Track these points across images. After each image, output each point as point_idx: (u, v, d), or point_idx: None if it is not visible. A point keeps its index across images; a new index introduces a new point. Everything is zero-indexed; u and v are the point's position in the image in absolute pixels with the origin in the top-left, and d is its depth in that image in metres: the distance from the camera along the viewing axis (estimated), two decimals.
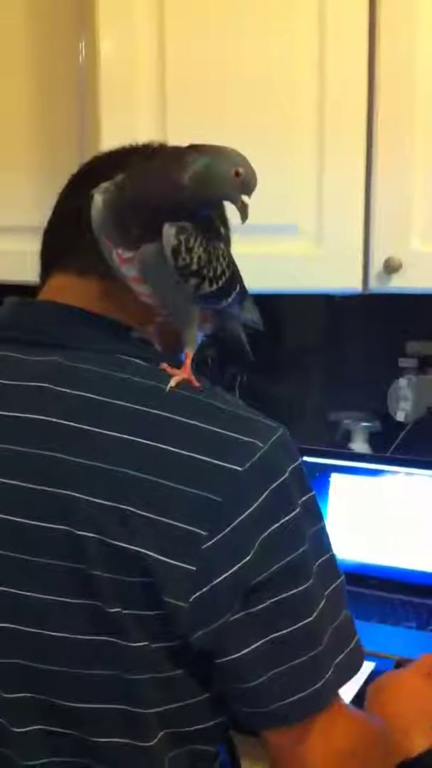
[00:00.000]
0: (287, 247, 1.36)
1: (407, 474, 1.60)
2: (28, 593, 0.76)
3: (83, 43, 1.51)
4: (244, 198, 0.80)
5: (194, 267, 0.79)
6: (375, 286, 1.35)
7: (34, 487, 0.76)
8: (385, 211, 1.34)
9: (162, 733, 0.79)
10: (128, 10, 1.39)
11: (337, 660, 0.82)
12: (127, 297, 0.86)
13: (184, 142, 0.93)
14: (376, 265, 1.34)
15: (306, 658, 0.79)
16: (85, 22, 1.46)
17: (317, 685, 0.80)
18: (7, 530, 0.77)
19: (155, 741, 0.79)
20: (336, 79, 1.33)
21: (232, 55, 1.36)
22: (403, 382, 1.74)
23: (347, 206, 1.35)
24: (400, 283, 1.34)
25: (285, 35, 1.34)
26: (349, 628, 0.84)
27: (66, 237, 0.90)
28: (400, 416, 1.75)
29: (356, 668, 0.84)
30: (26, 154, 1.56)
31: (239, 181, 0.80)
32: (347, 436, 1.80)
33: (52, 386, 0.79)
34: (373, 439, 1.79)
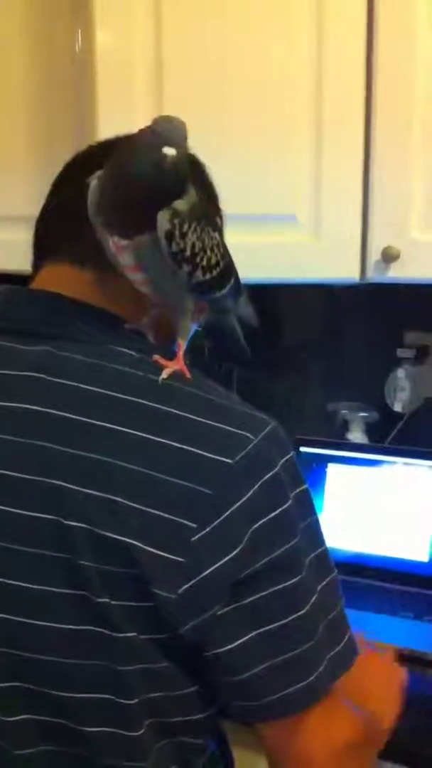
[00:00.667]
0: (285, 236, 1.36)
1: (405, 464, 1.60)
2: (16, 582, 0.76)
3: (80, 34, 1.50)
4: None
5: (187, 253, 0.79)
6: (373, 275, 1.35)
7: (24, 476, 0.76)
8: (382, 200, 1.34)
9: (148, 722, 0.79)
10: (125, 0, 1.38)
11: (330, 654, 0.82)
12: (121, 287, 0.85)
13: None
14: (374, 254, 1.34)
15: (298, 651, 0.79)
16: (82, 13, 1.45)
17: (310, 679, 0.80)
18: (13, 523, 0.76)
19: (142, 731, 0.79)
20: (334, 70, 1.33)
21: (230, 46, 1.36)
22: (400, 372, 1.74)
23: (345, 196, 1.35)
24: (397, 273, 1.34)
25: (283, 27, 1.34)
26: (342, 622, 0.84)
27: (59, 226, 0.90)
28: (397, 406, 1.75)
29: (349, 662, 0.84)
30: (22, 144, 1.56)
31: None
32: (345, 427, 1.80)
33: (43, 376, 0.79)
34: (370, 429, 1.79)
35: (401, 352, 1.74)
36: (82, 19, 1.46)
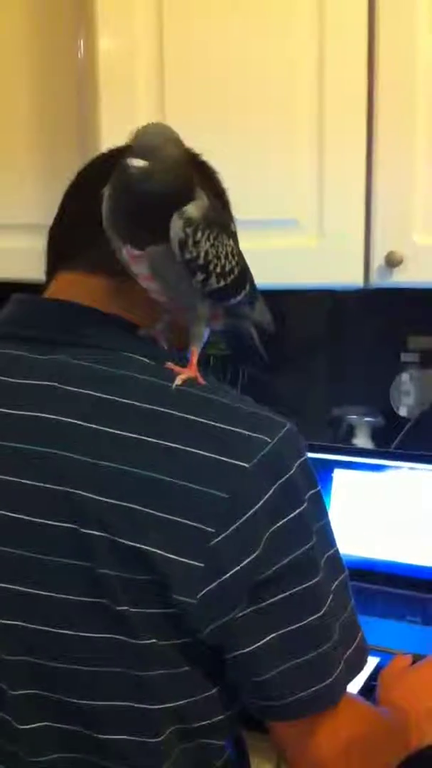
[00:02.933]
0: (288, 242, 1.36)
1: (410, 469, 1.60)
2: (35, 591, 0.77)
3: (82, 41, 1.51)
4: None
5: (201, 261, 0.79)
6: (376, 280, 1.35)
7: (43, 485, 0.76)
8: (385, 205, 1.34)
9: (171, 728, 0.80)
10: (127, 7, 1.39)
11: (346, 655, 0.82)
12: (135, 295, 0.86)
13: (184, 139, 0.93)
14: (378, 259, 1.34)
15: (317, 653, 0.79)
16: (84, 20, 1.46)
17: (329, 680, 0.81)
18: (16, 528, 0.77)
19: (163, 737, 0.79)
20: (336, 75, 1.33)
21: (232, 51, 1.36)
22: (405, 377, 1.74)
23: (348, 201, 1.35)
24: (401, 278, 1.34)
25: (284, 32, 1.35)
26: (354, 623, 0.85)
27: (73, 235, 0.91)
28: (402, 411, 1.75)
29: (363, 663, 0.85)
30: (26, 152, 1.56)
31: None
32: (350, 432, 1.80)
33: (59, 385, 0.79)
34: (376, 434, 1.79)
35: (406, 357, 1.74)
36: (85, 26, 1.47)
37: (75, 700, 0.78)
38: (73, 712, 0.79)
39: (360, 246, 1.35)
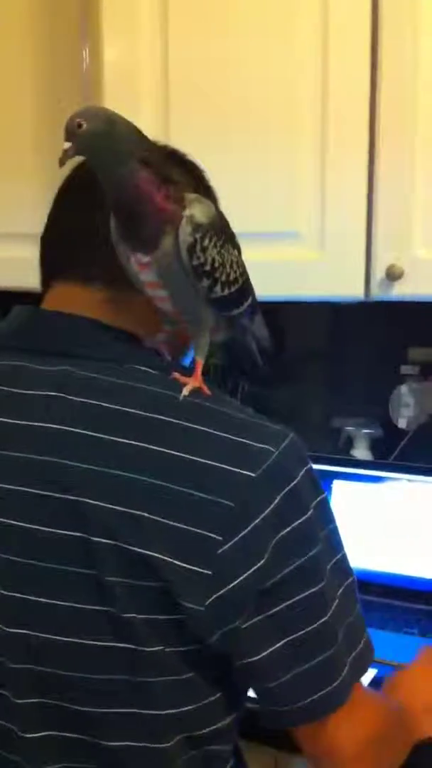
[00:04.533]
0: (289, 254, 1.37)
1: (409, 481, 1.60)
2: (41, 599, 0.77)
3: (87, 51, 1.51)
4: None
5: (207, 267, 0.80)
6: (377, 293, 1.36)
7: (49, 494, 0.77)
8: (387, 218, 1.34)
9: (178, 736, 0.80)
10: (132, 18, 1.40)
11: (352, 656, 0.84)
12: (133, 306, 0.87)
13: (187, 150, 0.94)
14: (378, 272, 1.34)
15: (323, 657, 0.81)
16: (89, 30, 1.46)
17: (336, 683, 0.82)
18: (22, 537, 0.78)
19: (170, 744, 0.80)
20: (338, 88, 1.34)
21: (235, 62, 1.37)
22: (404, 389, 1.74)
23: (349, 213, 1.35)
24: (402, 291, 1.34)
25: (287, 45, 1.35)
26: (360, 626, 0.86)
27: (66, 245, 0.91)
28: (402, 423, 1.75)
29: (369, 662, 0.87)
30: (31, 162, 1.57)
31: None
32: (349, 443, 1.80)
33: (65, 395, 0.80)
34: (375, 445, 1.79)
35: (405, 369, 1.74)
36: (90, 36, 1.47)
37: (81, 708, 0.78)
38: (78, 721, 0.79)
39: (361, 259, 1.35)
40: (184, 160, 0.93)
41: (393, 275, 1.32)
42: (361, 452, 1.79)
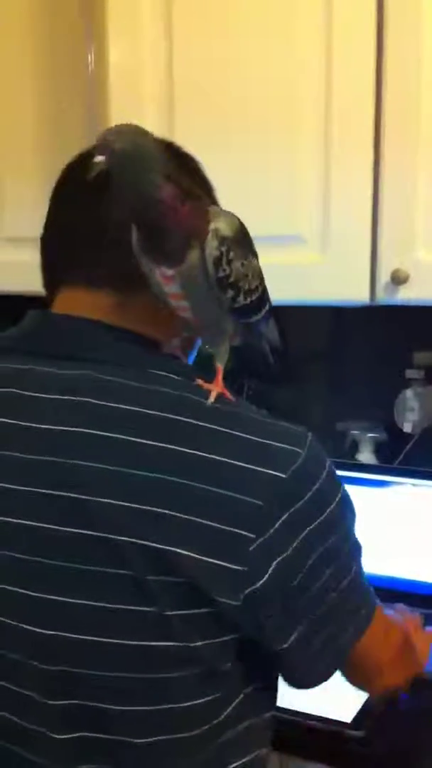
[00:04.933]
0: (294, 258, 1.37)
1: (414, 485, 1.60)
2: (73, 600, 0.78)
3: (92, 54, 1.52)
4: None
5: (232, 279, 0.82)
6: (382, 297, 1.36)
7: (76, 496, 0.78)
8: (392, 222, 1.34)
9: (209, 724, 0.83)
10: (137, 21, 1.40)
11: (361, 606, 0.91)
12: (142, 310, 0.88)
13: (191, 151, 0.94)
14: (384, 276, 1.34)
15: (344, 618, 0.88)
16: (94, 34, 1.47)
17: (354, 625, 0.90)
18: (52, 540, 0.79)
19: (201, 730, 0.82)
20: (342, 89, 1.34)
21: (239, 65, 1.37)
22: (409, 393, 1.74)
23: (354, 217, 1.35)
24: (407, 295, 1.34)
25: (291, 46, 1.35)
26: (362, 579, 0.92)
27: (70, 250, 0.91)
28: (407, 427, 1.75)
29: (374, 604, 0.94)
30: (36, 166, 1.58)
31: None
32: (354, 447, 1.80)
33: (88, 399, 0.81)
34: (379, 449, 1.79)
35: (410, 373, 1.74)
36: (95, 38, 1.48)
37: (112, 707, 0.79)
38: (109, 720, 0.80)
39: (366, 263, 1.35)
40: (179, 153, 0.93)
41: (398, 279, 1.32)
42: (365, 456, 1.79)
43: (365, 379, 1.83)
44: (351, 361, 1.85)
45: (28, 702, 0.81)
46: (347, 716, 1.22)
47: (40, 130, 1.59)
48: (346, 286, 1.37)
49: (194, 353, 0.98)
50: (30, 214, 1.56)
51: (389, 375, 1.76)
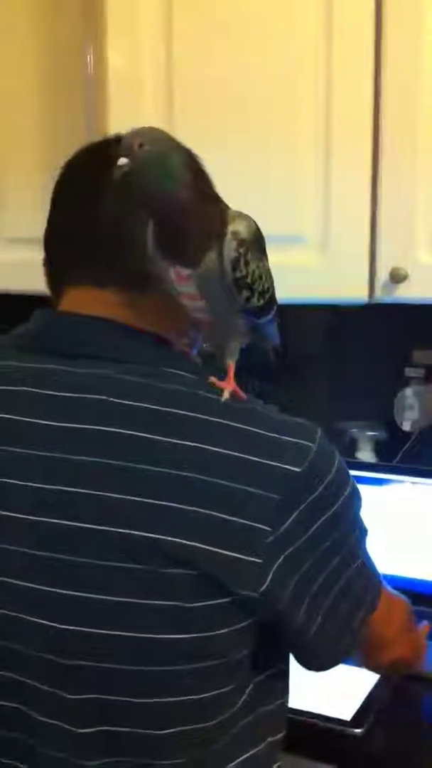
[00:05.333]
0: (293, 257, 1.37)
1: (413, 483, 1.60)
2: (92, 595, 0.79)
3: (91, 57, 1.52)
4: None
5: (249, 279, 0.84)
6: (381, 296, 1.36)
7: (93, 493, 0.79)
8: (390, 221, 1.34)
9: (227, 713, 0.84)
10: (136, 23, 1.40)
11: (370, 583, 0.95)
12: (150, 309, 0.89)
13: None
14: (382, 275, 1.35)
15: (354, 602, 0.91)
16: (93, 36, 1.47)
17: (366, 605, 0.93)
18: (72, 536, 0.79)
19: (218, 720, 0.83)
20: (342, 91, 1.34)
21: (239, 67, 1.38)
22: (409, 391, 1.74)
23: (353, 216, 1.36)
24: (406, 293, 1.34)
25: (291, 47, 1.36)
26: (369, 565, 0.96)
27: (73, 249, 0.92)
28: (406, 425, 1.75)
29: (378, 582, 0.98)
30: (34, 166, 1.58)
31: None
32: (353, 445, 1.81)
33: (110, 398, 0.82)
34: (379, 448, 1.80)
35: (409, 371, 1.75)
36: (94, 40, 1.48)
37: (136, 700, 0.80)
38: (133, 713, 0.81)
39: (365, 261, 1.36)
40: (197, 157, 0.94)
41: (397, 278, 1.33)
42: (365, 454, 1.79)
43: (364, 377, 1.83)
44: (350, 359, 1.85)
45: (47, 697, 0.82)
46: (347, 714, 1.23)
47: (40, 131, 1.59)
48: (345, 284, 1.37)
49: (194, 352, 0.98)
50: (30, 214, 1.57)
51: (388, 373, 1.77)
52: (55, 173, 0.95)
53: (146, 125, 0.82)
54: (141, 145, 0.80)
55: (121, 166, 0.80)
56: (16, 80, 1.61)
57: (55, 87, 1.58)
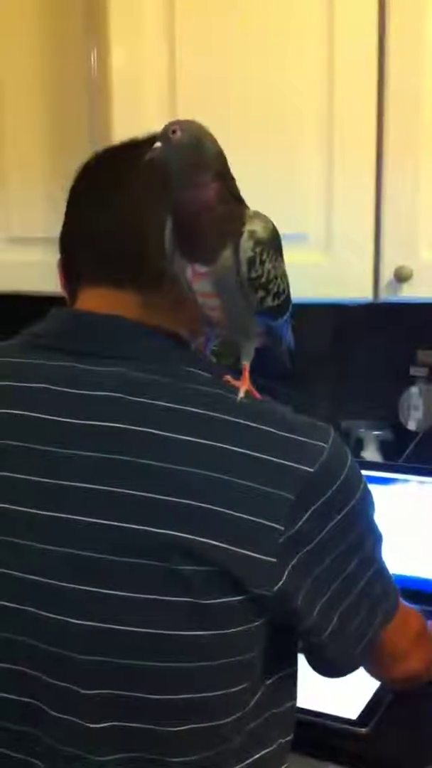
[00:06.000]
0: (297, 256, 1.35)
1: (419, 482, 1.60)
2: (108, 591, 0.79)
3: (95, 56, 1.52)
4: None
5: (263, 279, 0.85)
6: (385, 295, 1.36)
7: (115, 490, 0.80)
8: (395, 220, 1.34)
9: (239, 712, 0.84)
10: (139, 22, 1.40)
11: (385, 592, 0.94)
12: (167, 309, 0.90)
13: None
14: (387, 274, 1.35)
15: (367, 610, 0.91)
16: (96, 35, 1.47)
17: (383, 611, 0.93)
18: (87, 532, 0.80)
19: (231, 719, 0.83)
20: (345, 89, 1.34)
21: (242, 68, 1.38)
22: (414, 390, 1.74)
23: (357, 216, 1.36)
24: (410, 293, 1.34)
25: (294, 46, 1.36)
26: (383, 568, 0.96)
27: (90, 250, 0.92)
28: (411, 425, 1.75)
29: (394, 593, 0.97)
30: (38, 167, 1.58)
31: None
32: (359, 445, 1.81)
33: (126, 396, 0.83)
34: (384, 447, 1.79)
35: (414, 371, 1.75)
36: (97, 40, 1.48)
37: (149, 696, 0.81)
38: (145, 710, 0.81)
39: (369, 261, 1.36)
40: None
41: (401, 277, 1.33)
42: (370, 454, 1.79)
43: (369, 377, 1.83)
44: (355, 359, 1.85)
45: (60, 692, 0.82)
46: (353, 713, 1.23)
47: (44, 131, 1.60)
48: (350, 284, 1.37)
49: (207, 351, 0.99)
50: (35, 214, 1.58)
51: (393, 373, 1.77)
52: (70, 177, 0.95)
53: (183, 119, 0.84)
54: (175, 132, 0.81)
55: (155, 149, 0.82)
56: (19, 80, 1.61)
57: (59, 87, 1.58)
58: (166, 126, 0.82)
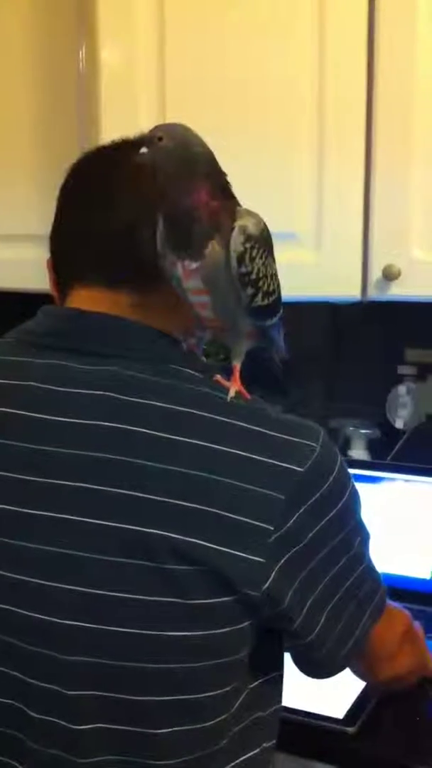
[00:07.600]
0: (286, 255, 1.35)
1: (406, 481, 1.60)
2: (95, 591, 0.79)
3: (83, 52, 1.52)
4: None
5: (253, 276, 0.85)
6: (374, 294, 1.36)
7: (104, 489, 0.80)
8: (384, 218, 1.35)
9: (225, 714, 0.84)
10: (128, 19, 1.40)
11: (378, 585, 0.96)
12: (159, 310, 0.89)
13: None
14: (375, 273, 1.35)
15: (356, 606, 0.91)
16: (86, 32, 1.47)
17: (375, 609, 0.94)
18: (77, 531, 0.80)
19: (217, 721, 0.83)
20: (335, 89, 1.34)
21: (232, 67, 1.38)
22: (402, 389, 1.75)
23: (346, 214, 1.36)
24: (399, 291, 1.34)
25: (284, 45, 1.36)
26: (371, 567, 0.96)
27: (83, 248, 0.92)
28: (399, 423, 1.75)
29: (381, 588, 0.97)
30: (28, 164, 1.57)
31: None
32: (346, 443, 1.81)
33: (117, 395, 0.83)
34: (372, 446, 1.80)
35: (403, 369, 1.75)
36: (86, 37, 1.48)
37: (134, 698, 0.80)
38: (131, 711, 0.81)
39: (358, 259, 1.36)
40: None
41: (390, 276, 1.33)
42: (358, 452, 1.79)
43: (358, 375, 1.83)
44: (343, 357, 1.85)
45: (44, 693, 0.82)
46: (339, 712, 1.23)
47: (34, 129, 1.59)
48: (338, 283, 1.37)
49: (199, 351, 0.98)
50: (22, 212, 1.57)
51: (382, 372, 1.77)
52: (59, 175, 0.95)
53: (166, 124, 0.85)
54: (161, 138, 0.82)
55: (142, 155, 0.82)
56: (9, 77, 1.61)
57: (49, 84, 1.58)
58: (151, 131, 0.82)
